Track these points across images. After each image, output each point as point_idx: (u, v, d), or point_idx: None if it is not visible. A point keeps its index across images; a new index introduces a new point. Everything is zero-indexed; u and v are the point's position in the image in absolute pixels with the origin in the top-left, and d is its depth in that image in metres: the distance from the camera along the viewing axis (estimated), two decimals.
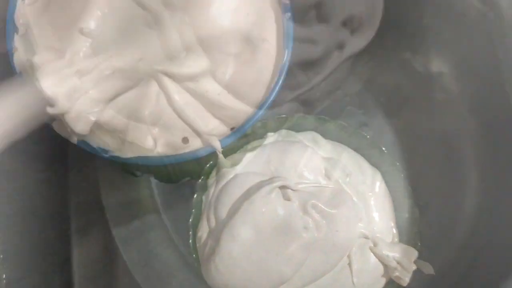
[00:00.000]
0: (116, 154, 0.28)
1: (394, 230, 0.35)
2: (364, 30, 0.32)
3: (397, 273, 0.33)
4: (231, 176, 0.35)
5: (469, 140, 0.37)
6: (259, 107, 0.30)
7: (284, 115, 0.37)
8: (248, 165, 0.36)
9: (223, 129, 0.30)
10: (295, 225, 0.32)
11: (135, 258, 0.30)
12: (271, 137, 0.38)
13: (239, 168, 0.36)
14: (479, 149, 0.37)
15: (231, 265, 0.31)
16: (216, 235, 0.33)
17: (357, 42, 0.32)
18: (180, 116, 0.28)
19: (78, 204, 0.40)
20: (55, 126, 0.27)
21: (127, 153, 0.28)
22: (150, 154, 0.29)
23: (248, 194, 0.33)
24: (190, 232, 0.35)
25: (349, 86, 0.40)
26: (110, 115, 0.27)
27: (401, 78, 0.39)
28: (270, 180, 0.34)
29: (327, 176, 0.35)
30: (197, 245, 0.34)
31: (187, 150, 0.29)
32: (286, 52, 0.29)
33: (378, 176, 0.36)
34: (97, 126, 0.27)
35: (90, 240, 0.40)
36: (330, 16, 0.31)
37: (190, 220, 0.35)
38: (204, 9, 0.27)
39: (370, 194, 0.35)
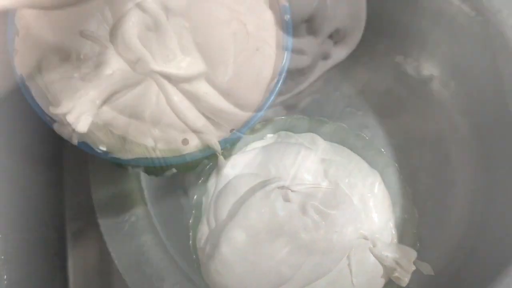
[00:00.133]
0: (117, 155, 0.28)
1: (393, 231, 0.35)
2: (347, 41, 0.34)
3: (396, 274, 0.33)
4: (230, 177, 0.35)
5: (460, 142, 0.38)
6: (259, 109, 0.30)
7: (283, 117, 0.38)
8: (248, 167, 0.36)
9: (223, 131, 0.30)
10: (295, 226, 0.32)
11: (126, 262, 0.30)
12: (270, 139, 0.38)
13: (238, 170, 0.36)
14: (470, 150, 0.37)
15: (231, 266, 0.32)
16: (216, 236, 0.33)
17: (340, 53, 0.34)
18: (179, 117, 0.28)
19: (74, 206, 0.40)
20: (56, 127, 0.27)
21: (128, 155, 0.28)
22: (150, 156, 0.29)
23: (247, 195, 0.34)
24: (190, 234, 0.35)
25: (345, 89, 0.41)
26: (111, 115, 0.27)
27: (393, 81, 0.40)
28: (270, 181, 0.34)
29: (326, 177, 0.35)
30: (197, 246, 0.34)
31: (186, 152, 0.29)
32: (286, 54, 0.29)
33: (377, 177, 0.36)
34: (98, 127, 0.27)
35: (86, 242, 0.40)
36: (319, 29, 0.32)
37: (190, 221, 0.35)
38: (204, 16, 0.27)
39: (369, 195, 0.35)
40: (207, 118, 0.29)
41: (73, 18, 0.26)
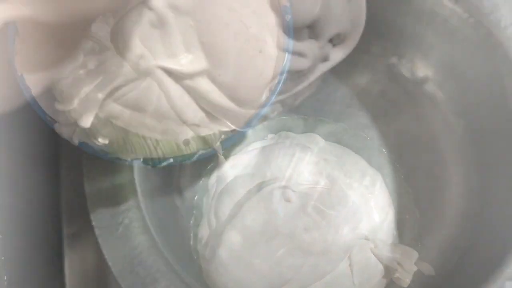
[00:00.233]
0: (118, 155, 0.28)
1: (395, 231, 0.35)
2: (345, 44, 0.35)
3: (397, 274, 0.33)
4: (230, 178, 0.35)
5: (455, 142, 0.38)
6: (260, 108, 0.30)
7: (284, 117, 0.38)
8: (249, 167, 0.36)
9: (224, 131, 0.30)
10: (296, 226, 0.32)
11: (120, 265, 0.30)
12: (271, 139, 0.38)
13: (238, 170, 0.36)
14: (464, 151, 0.37)
15: (229, 268, 0.32)
16: (217, 236, 0.33)
17: (338, 55, 0.35)
18: (180, 116, 0.28)
19: (74, 206, 0.40)
20: (57, 128, 0.27)
21: (128, 155, 0.28)
22: (150, 156, 0.29)
23: (248, 195, 0.34)
24: (191, 234, 0.35)
25: (345, 89, 0.41)
26: (114, 108, 0.27)
27: (388, 82, 0.41)
28: (265, 183, 0.34)
29: (326, 177, 0.35)
30: (198, 247, 0.34)
31: (188, 152, 0.30)
32: (286, 55, 0.29)
33: (378, 177, 0.36)
34: (101, 122, 0.27)
35: (83, 243, 0.40)
36: (321, 34, 0.33)
37: (191, 222, 0.35)
38: (209, 16, 0.27)
39: (370, 195, 0.35)
40: (209, 117, 0.29)
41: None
